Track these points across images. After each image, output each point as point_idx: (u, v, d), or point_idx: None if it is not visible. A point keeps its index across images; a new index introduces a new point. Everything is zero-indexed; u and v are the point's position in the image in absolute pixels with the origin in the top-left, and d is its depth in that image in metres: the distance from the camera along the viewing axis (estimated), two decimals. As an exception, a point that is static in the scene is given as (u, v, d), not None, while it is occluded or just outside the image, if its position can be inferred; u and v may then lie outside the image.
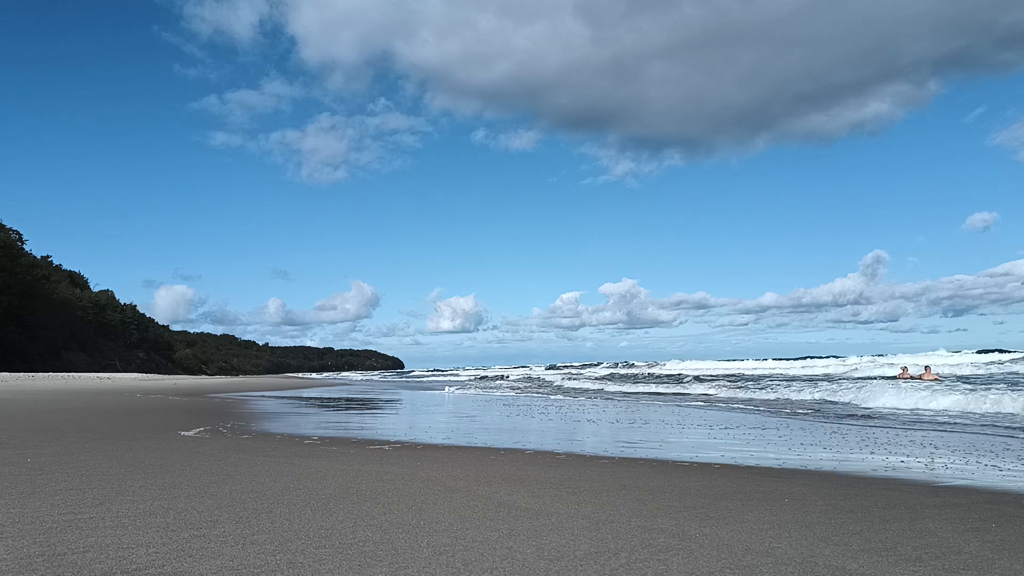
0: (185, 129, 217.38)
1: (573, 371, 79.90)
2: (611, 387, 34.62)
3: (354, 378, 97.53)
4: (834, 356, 68.74)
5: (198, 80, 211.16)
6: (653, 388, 32.45)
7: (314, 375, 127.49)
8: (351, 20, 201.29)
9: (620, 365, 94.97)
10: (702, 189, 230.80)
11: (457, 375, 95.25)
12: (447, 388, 37.02)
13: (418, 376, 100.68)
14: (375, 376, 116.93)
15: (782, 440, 10.29)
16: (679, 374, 49.42)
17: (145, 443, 8.65)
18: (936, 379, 25.69)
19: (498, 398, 25.63)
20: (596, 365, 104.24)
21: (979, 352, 54.54)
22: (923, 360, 42.34)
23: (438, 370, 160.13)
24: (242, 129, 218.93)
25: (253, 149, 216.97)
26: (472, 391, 32.97)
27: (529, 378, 58.00)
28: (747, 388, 27.47)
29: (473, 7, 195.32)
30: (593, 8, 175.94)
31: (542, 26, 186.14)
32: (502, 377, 68.10)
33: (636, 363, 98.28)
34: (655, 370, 64.68)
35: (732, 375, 45.41)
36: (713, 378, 39.13)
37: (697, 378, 39.35)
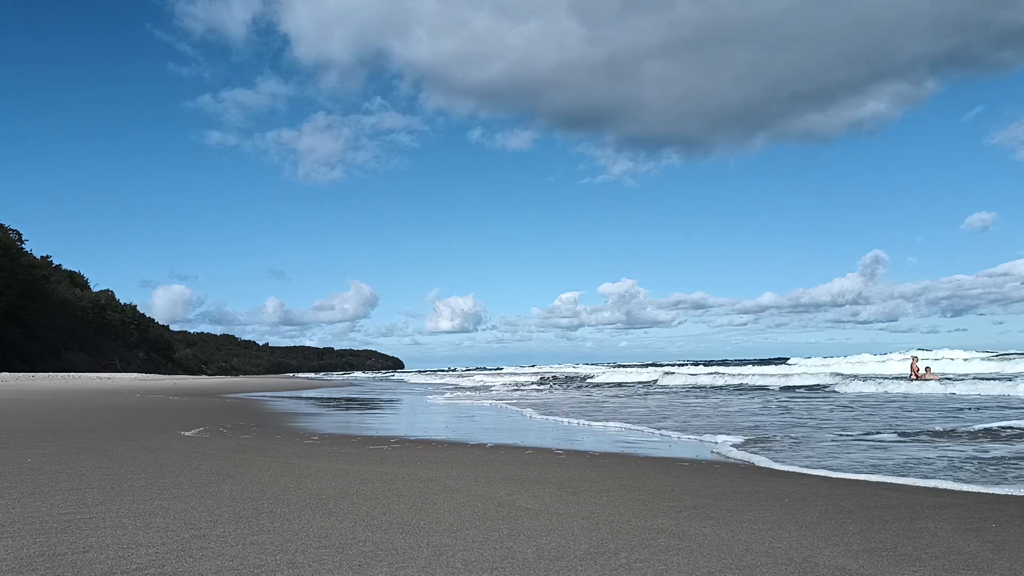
0: (181, 128, 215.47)
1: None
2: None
3: (359, 377, 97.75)
4: (786, 358, 68.92)
5: (192, 79, 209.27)
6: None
7: (328, 375, 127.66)
8: (344, 18, 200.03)
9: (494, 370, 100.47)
10: (700, 189, 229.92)
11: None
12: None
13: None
14: (376, 375, 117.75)
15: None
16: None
17: (145, 443, 8.65)
18: (936, 378, 27.01)
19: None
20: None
21: (924, 350, 54.90)
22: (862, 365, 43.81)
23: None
24: (237, 128, 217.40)
25: (249, 148, 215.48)
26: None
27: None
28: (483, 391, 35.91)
29: (467, 6, 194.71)
30: (588, 7, 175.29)
31: (537, 25, 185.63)
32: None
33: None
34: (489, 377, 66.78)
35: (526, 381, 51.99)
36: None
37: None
